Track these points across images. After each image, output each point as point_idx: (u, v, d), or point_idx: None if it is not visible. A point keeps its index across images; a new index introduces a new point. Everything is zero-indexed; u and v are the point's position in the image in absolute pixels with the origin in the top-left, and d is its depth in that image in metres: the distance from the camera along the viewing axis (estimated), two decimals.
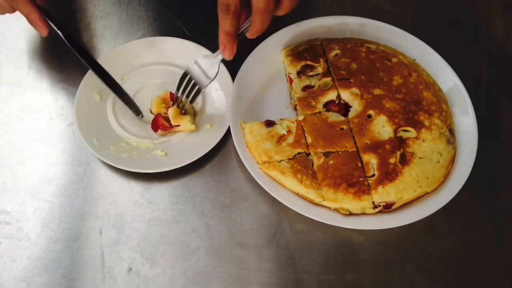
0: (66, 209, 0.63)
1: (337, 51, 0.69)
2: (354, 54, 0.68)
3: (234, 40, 0.57)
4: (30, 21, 0.67)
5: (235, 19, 0.56)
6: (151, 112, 0.68)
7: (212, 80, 0.63)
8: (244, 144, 0.63)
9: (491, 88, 0.74)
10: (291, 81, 0.68)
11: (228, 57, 0.59)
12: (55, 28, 0.67)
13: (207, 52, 0.70)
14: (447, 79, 0.69)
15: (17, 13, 0.72)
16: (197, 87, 0.64)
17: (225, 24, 0.56)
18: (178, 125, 0.65)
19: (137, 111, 0.68)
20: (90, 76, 0.69)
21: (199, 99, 0.69)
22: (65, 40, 0.67)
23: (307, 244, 0.61)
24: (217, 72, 0.63)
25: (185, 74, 0.65)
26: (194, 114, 0.68)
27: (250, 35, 0.58)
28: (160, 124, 0.66)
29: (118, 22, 0.78)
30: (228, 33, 0.57)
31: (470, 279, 0.60)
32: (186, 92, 0.65)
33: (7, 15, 0.70)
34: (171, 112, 0.66)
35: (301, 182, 0.60)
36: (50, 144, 0.67)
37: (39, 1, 0.67)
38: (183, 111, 0.67)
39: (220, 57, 0.62)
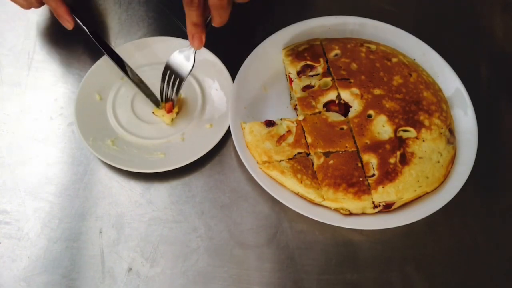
0: (66, 209, 0.63)
1: (337, 51, 0.69)
2: (354, 54, 0.68)
3: (201, 30, 0.59)
4: (57, 15, 0.68)
5: (200, 10, 0.58)
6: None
7: (191, 71, 0.64)
8: (244, 144, 0.63)
9: (491, 88, 0.74)
10: (291, 81, 0.68)
11: (197, 47, 0.61)
12: (80, 24, 0.69)
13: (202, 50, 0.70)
14: (447, 79, 0.69)
15: (18, 13, 0.73)
16: (178, 79, 0.65)
17: (191, 16, 0.58)
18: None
19: (156, 102, 0.69)
20: (90, 76, 0.69)
21: (199, 98, 0.70)
22: (90, 36, 0.69)
23: (307, 244, 0.61)
24: (194, 63, 0.64)
25: (166, 68, 0.65)
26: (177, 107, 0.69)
27: (215, 24, 0.60)
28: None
29: (118, 22, 0.78)
30: (194, 24, 0.58)
31: (470, 279, 0.60)
32: (171, 84, 0.65)
33: (8, 14, 0.70)
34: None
35: (301, 182, 0.60)
36: (50, 144, 0.67)
37: None
38: (170, 102, 0.67)
39: (192, 49, 0.63)
